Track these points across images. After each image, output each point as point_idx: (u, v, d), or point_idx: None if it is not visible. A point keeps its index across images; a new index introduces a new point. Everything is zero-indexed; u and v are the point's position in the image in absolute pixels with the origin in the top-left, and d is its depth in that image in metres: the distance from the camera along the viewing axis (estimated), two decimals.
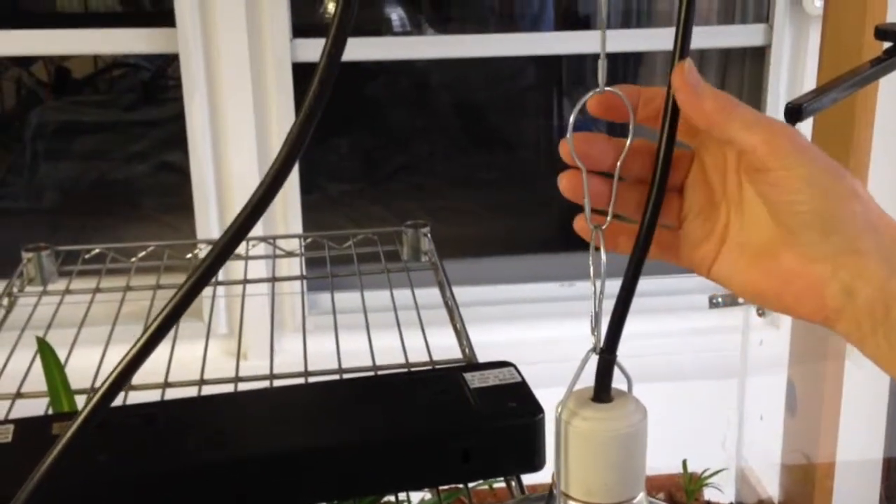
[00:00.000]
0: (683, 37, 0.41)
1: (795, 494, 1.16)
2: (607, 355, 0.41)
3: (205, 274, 0.34)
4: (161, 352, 0.86)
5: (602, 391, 0.42)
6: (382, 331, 0.92)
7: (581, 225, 0.43)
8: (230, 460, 0.63)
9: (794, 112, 0.63)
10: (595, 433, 0.40)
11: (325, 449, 0.65)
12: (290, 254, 1.16)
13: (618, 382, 0.43)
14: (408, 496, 0.86)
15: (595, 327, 0.42)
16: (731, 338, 1.67)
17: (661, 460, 1.40)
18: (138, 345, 0.36)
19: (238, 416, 0.69)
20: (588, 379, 0.42)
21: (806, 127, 1.27)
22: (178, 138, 1.75)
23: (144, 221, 2.50)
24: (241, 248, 1.14)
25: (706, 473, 1.34)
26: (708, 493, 1.32)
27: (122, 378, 0.36)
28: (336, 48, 0.34)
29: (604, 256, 0.42)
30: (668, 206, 0.47)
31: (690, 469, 1.36)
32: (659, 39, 1.86)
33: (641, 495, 0.42)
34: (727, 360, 1.64)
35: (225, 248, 0.34)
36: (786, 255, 0.44)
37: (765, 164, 0.42)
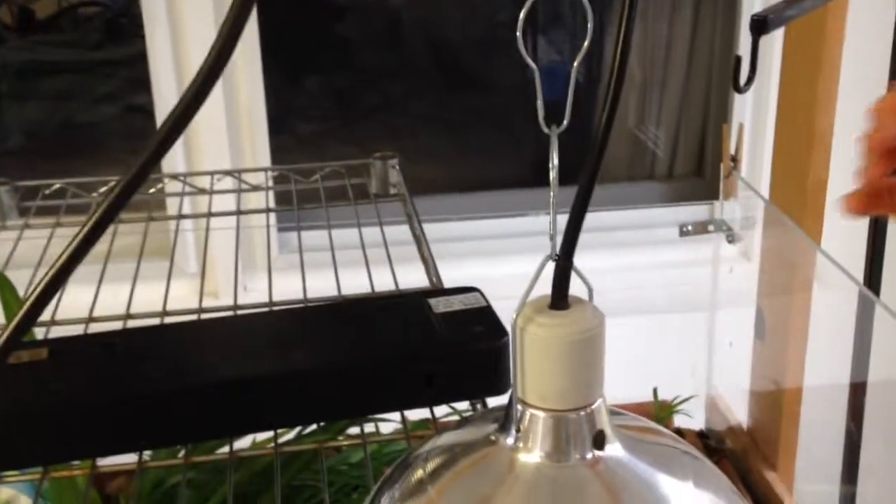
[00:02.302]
0: None
1: (764, 419, 1.17)
2: (564, 261, 0.41)
3: (129, 185, 0.33)
4: (124, 288, 0.85)
5: (559, 298, 0.41)
6: (351, 268, 0.91)
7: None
8: (192, 387, 0.62)
9: (759, 24, 0.62)
10: (550, 339, 0.40)
11: (287, 374, 0.64)
12: (255, 187, 1.14)
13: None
14: (377, 427, 0.85)
15: (552, 233, 0.41)
16: (703, 271, 1.67)
17: (632, 390, 1.41)
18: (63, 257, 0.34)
19: (200, 343, 0.68)
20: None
21: (777, 40, 1.26)
22: (145, 79, 1.71)
23: (112, 165, 2.47)
24: (205, 183, 1.13)
25: (676, 401, 1.36)
26: (678, 420, 1.33)
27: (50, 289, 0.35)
28: None
29: (556, 160, 0.41)
30: None
31: (661, 397, 1.37)
32: None
33: (599, 402, 0.42)
34: (698, 293, 1.65)
35: (151, 157, 0.33)
36: None
37: None
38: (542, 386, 0.41)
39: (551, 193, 0.42)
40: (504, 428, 0.43)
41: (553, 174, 0.41)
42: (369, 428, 0.73)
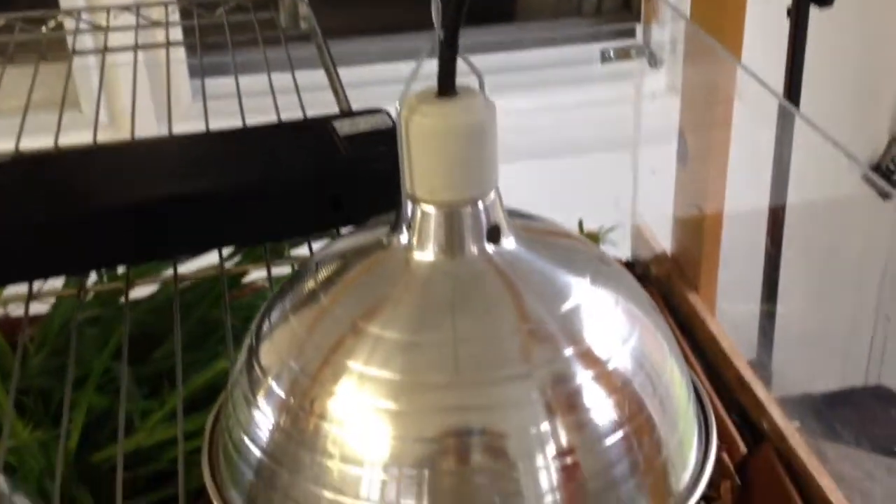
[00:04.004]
0: None
1: (687, 245, 1.18)
2: (448, 48, 0.38)
3: None
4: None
5: (445, 86, 0.39)
6: (262, 115, 0.86)
7: None
8: (86, 213, 0.60)
9: None
10: (436, 128, 0.38)
11: (188, 198, 0.62)
12: (156, 23, 1.09)
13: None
14: (288, 252, 0.82)
15: (436, 17, 0.38)
16: (629, 108, 1.66)
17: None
18: None
19: (95, 170, 0.64)
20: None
21: None
22: None
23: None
24: (101, 19, 1.07)
25: (602, 231, 1.36)
26: (604, 250, 1.33)
27: None
28: None
29: None
30: None
31: (587, 229, 1.37)
32: None
33: (493, 195, 0.40)
34: (624, 129, 1.64)
35: None
36: None
37: None
38: (432, 179, 0.39)
39: None
40: (396, 229, 0.41)
41: None
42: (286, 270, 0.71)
